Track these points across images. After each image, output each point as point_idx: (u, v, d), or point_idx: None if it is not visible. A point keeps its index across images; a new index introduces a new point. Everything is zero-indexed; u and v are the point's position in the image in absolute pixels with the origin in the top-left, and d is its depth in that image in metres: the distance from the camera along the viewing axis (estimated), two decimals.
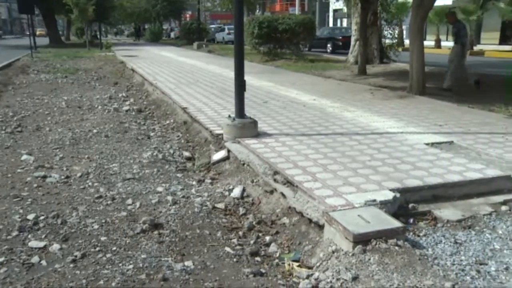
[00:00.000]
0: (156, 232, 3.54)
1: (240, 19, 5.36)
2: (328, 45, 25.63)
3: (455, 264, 2.81)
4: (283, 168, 4.22)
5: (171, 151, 5.84)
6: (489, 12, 25.65)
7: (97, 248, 3.26)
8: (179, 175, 4.98)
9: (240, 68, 5.40)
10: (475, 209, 3.59)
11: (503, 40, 27.80)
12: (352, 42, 17.01)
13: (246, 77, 5.53)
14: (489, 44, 27.62)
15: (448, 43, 29.79)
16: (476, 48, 26.40)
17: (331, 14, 45.62)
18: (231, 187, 4.48)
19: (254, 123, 5.51)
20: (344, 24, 41.36)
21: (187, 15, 59.63)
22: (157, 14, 47.20)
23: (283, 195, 3.89)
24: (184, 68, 15.09)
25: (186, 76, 12.42)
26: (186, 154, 5.74)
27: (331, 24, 43.63)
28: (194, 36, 34.30)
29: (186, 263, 3.07)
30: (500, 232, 3.25)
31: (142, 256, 3.15)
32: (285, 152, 4.76)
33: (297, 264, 3.11)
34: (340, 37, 25.21)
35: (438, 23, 28.04)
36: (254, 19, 18.84)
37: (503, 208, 3.62)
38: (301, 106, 7.64)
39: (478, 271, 2.73)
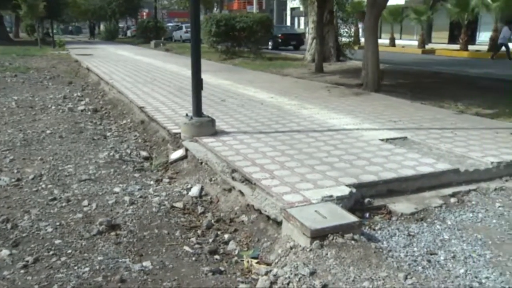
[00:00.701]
0: (113, 233, 3.47)
1: (196, 17, 5.33)
2: (270, 42, 27.21)
3: (408, 255, 2.91)
4: (241, 166, 4.23)
5: (128, 151, 5.74)
6: (438, 13, 26.62)
7: (51, 252, 3.16)
8: (136, 175, 4.90)
9: (197, 67, 5.37)
10: (427, 202, 3.73)
11: (451, 39, 28.92)
12: (309, 41, 17.24)
13: (203, 76, 5.52)
14: (439, 43, 28.68)
15: (402, 41, 30.78)
16: (428, 46, 27.34)
17: (288, 12, 46.09)
18: (189, 186, 4.45)
19: (212, 121, 5.50)
20: (302, 22, 41.92)
21: (144, 13, 58.58)
22: (112, 12, 46.08)
23: (241, 193, 3.90)
24: (141, 67, 14.83)
25: (143, 75, 12.21)
26: (144, 153, 5.66)
27: (288, 23, 44.13)
28: (151, 34, 33.78)
29: (144, 263, 3.03)
30: (449, 223, 3.40)
31: (99, 258, 3.08)
32: (243, 150, 4.78)
33: (256, 261, 3.13)
34: (280, 35, 27.65)
35: (392, 22, 28.86)
36: (212, 17, 18.76)
37: (452, 200, 3.78)
38: (259, 104, 7.68)
39: (429, 261, 2.84)
